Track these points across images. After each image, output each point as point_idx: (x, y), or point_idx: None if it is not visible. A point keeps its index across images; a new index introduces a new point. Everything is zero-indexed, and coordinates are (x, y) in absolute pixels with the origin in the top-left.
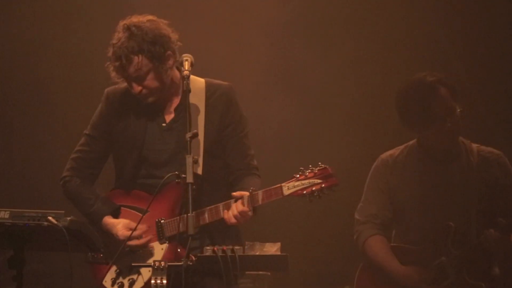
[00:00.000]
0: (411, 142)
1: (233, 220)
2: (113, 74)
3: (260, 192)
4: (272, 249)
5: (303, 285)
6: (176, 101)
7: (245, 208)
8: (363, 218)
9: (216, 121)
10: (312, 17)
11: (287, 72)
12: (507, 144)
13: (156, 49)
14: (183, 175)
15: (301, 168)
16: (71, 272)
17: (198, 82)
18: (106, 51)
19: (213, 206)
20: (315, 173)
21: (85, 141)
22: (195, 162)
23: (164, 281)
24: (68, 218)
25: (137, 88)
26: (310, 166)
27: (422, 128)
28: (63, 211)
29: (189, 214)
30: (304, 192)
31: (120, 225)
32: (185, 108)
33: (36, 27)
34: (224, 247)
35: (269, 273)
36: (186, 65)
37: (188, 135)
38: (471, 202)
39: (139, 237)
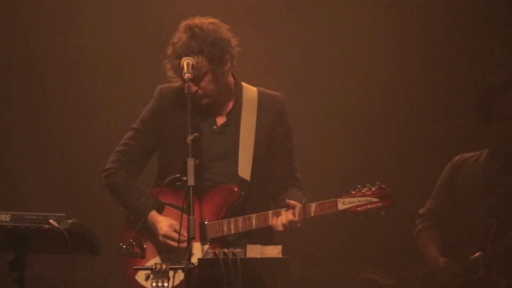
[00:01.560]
0: (486, 150)
1: (281, 228)
2: (170, 72)
3: (313, 204)
4: (273, 252)
5: (305, 287)
6: (229, 106)
7: (295, 218)
8: (424, 212)
9: (267, 130)
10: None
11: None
12: None
13: (215, 51)
14: (184, 178)
15: (357, 185)
16: (72, 274)
17: (250, 91)
18: (165, 49)
19: (261, 213)
20: (372, 191)
21: (133, 135)
22: (197, 164)
23: (166, 284)
24: (69, 221)
25: (193, 88)
26: (368, 184)
27: (486, 123)
28: (64, 214)
29: (190, 217)
30: (359, 209)
31: (164, 223)
32: (238, 112)
33: (36, 28)
34: (226, 250)
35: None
36: (186, 68)
37: (189, 138)
38: None
39: (179, 237)
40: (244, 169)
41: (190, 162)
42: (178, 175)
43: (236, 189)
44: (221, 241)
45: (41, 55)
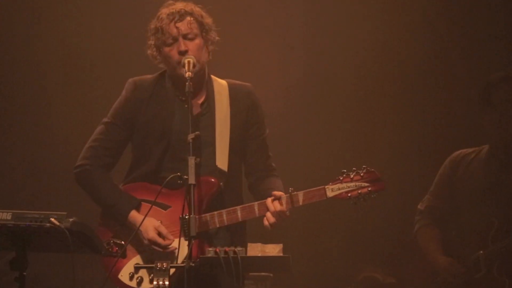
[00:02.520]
0: (484, 146)
1: (271, 219)
2: (151, 50)
3: (300, 193)
4: (274, 250)
5: (305, 286)
6: (202, 96)
7: (283, 208)
8: (423, 208)
9: (242, 120)
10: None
11: (307, 73)
12: None
13: (205, 21)
14: (185, 176)
15: (344, 170)
16: (73, 273)
17: (220, 82)
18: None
19: (246, 205)
20: (361, 176)
21: (105, 129)
22: (198, 163)
23: (167, 283)
24: (71, 220)
25: (184, 46)
26: (355, 168)
27: (484, 111)
28: (65, 213)
29: (191, 216)
30: (349, 195)
31: (149, 226)
32: (211, 103)
33: (35, 25)
34: (227, 248)
35: (271, 274)
36: (187, 66)
37: (190, 136)
38: None
39: (164, 245)
40: (222, 160)
41: (191, 161)
42: (178, 174)
43: (214, 180)
44: (204, 238)
45: (42, 56)
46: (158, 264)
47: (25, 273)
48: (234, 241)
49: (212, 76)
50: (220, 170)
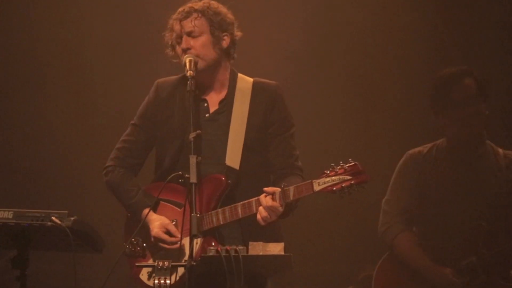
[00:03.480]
0: (439, 141)
1: (264, 214)
2: (168, 49)
3: (291, 188)
4: (275, 249)
5: (307, 285)
6: (222, 95)
7: (275, 203)
8: (394, 211)
9: (259, 119)
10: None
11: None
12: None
13: (217, 19)
14: (187, 175)
15: (332, 164)
16: (75, 272)
17: (245, 81)
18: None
19: (246, 202)
20: (345, 169)
21: (131, 131)
22: (199, 162)
23: (168, 281)
24: (72, 218)
25: (186, 43)
26: (341, 162)
27: (443, 114)
28: (67, 211)
29: (193, 214)
30: (334, 188)
31: (156, 223)
32: (230, 101)
33: (36, 24)
34: (228, 247)
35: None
36: (188, 65)
37: (192, 135)
38: (501, 202)
39: (169, 242)
40: (233, 158)
41: (192, 159)
42: (180, 172)
43: (223, 178)
44: (215, 234)
45: (42, 55)
46: (159, 263)
47: (26, 272)
48: (245, 239)
49: (240, 74)
50: (230, 168)
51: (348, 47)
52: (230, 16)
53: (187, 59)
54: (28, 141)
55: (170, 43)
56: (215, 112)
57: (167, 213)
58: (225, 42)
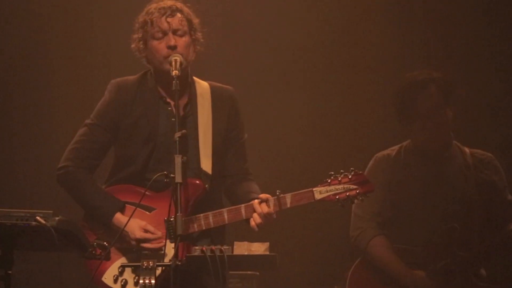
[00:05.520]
0: (405, 143)
1: (258, 220)
2: (136, 44)
3: (288, 196)
4: (260, 248)
5: (292, 285)
6: (185, 98)
7: (271, 210)
8: (367, 215)
9: (223, 123)
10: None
11: (288, 73)
12: (495, 147)
13: (194, 21)
14: (172, 175)
15: (331, 172)
16: (60, 272)
17: (203, 85)
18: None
19: (232, 207)
20: (349, 178)
21: (88, 130)
22: (184, 162)
23: (153, 281)
24: (57, 218)
25: (174, 41)
26: (342, 171)
27: (408, 122)
28: (51, 211)
29: (177, 214)
30: (338, 197)
31: (135, 225)
32: (193, 106)
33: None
34: (213, 247)
35: (257, 273)
36: (174, 65)
37: (177, 134)
38: (471, 202)
39: (154, 239)
40: (206, 163)
41: (178, 159)
42: (165, 172)
43: (199, 182)
44: (187, 239)
45: (42, 56)
46: (145, 262)
47: (10, 272)
48: (214, 243)
49: (194, 78)
50: (205, 173)
51: (336, 47)
52: (197, 20)
53: (173, 58)
54: (12, 141)
55: (141, 36)
56: (181, 116)
57: (135, 217)
58: (197, 47)
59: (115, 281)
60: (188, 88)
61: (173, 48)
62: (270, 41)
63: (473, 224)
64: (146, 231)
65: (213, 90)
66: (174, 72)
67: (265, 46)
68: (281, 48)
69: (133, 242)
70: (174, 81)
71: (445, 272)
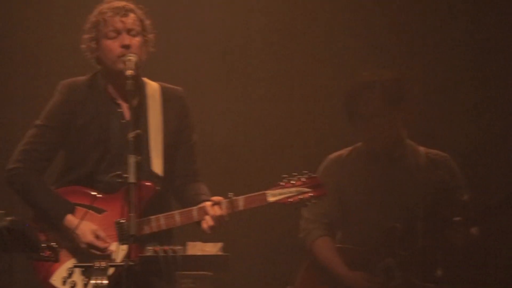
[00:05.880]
0: (359, 144)
1: (211, 223)
2: (88, 44)
3: (241, 198)
4: (213, 249)
5: (245, 285)
6: (135, 100)
7: (223, 213)
8: (312, 217)
9: (173, 124)
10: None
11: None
12: (450, 145)
13: (145, 22)
14: (125, 175)
15: (284, 175)
16: (11, 272)
17: (153, 86)
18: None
19: (185, 210)
20: (303, 181)
21: (38, 132)
22: (138, 162)
23: (105, 282)
24: (8, 218)
25: (128, 40)
26: (295, 174)
27: (355, 123)
28: (4, 211)
29: (131, 214)
30: (291, 200)
31: (86, 229)
32: (144, 107)
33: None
34: (166, 247)
35: (211, 273)
36: (130, 64)
37: (131, 135)
38: (417, 203)
39: (102, 248)
40: (157, 165)
41: (131, 159)
42: (119, 172)
43: (150, 184)
44: (136, 240)
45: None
46: (97, 263)
47: None
48: (162, 244)
49: (144, 79)
50: (156, 175)
51: (294, 46)
52: (149, 21)
53: (128, 58)
54: None
55: (93, 36)
56: (132, 117)
57: (85, 218)
58: (149, 48)
59: (64, 283)
60: (138, 89)
61: (127, 47)
62: (218, 41)
63: (417, 224)
64: (97, 236)
65: (163, 91)
66: (129, 72)
67: (213, 47)
68: (229, 48)
69: (83, 245)
70: (128, 81)
71: (386, 272)
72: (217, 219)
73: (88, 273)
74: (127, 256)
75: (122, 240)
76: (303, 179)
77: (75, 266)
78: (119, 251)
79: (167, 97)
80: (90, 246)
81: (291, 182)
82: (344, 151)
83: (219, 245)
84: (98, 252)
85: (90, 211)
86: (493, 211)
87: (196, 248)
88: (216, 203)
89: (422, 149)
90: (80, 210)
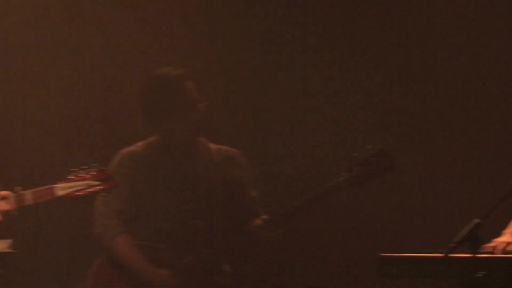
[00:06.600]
0: (151, 139)
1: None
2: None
3: (28, 192)
4: (1, 246)
5: (35, 283)
6: None
7: (9, 207)
8: (110, 213)
9: None
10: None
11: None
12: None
13: None
14: None
15: (72, 169)
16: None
17: None
18: None
19: None
20: (92, 174)
21: None
22: None
23: None
24: None
25: None
26: (85, 167)
27: (167, 120)
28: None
29: None
30: (80, 193)
31: None
32: None
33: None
34: None
35: None
36: None
37: None
38: (215, 199)
39: None
40: None
41: None
42: None
43: None
44: None
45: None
46: None
47: None
48: None
49: None
50: None
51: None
52: None
53: None
54: None
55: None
56: None
57: None
58: None
59: None
60: None
61: None
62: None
63: (217, 221)
64: None
65: None
66: None
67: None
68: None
69: None
70: None
71: (188, 269)
72: (5, 214)
73: None
74: None
75: None
76: (93, 172)
77: None
78: None
79: None
80: None
81: (80, 175)
82: (135, 147)
83: (9, 242)
84: None
85: None
86: (291, 215)
87: None
88: (2, 198)
89: (213, 145)
90: None
